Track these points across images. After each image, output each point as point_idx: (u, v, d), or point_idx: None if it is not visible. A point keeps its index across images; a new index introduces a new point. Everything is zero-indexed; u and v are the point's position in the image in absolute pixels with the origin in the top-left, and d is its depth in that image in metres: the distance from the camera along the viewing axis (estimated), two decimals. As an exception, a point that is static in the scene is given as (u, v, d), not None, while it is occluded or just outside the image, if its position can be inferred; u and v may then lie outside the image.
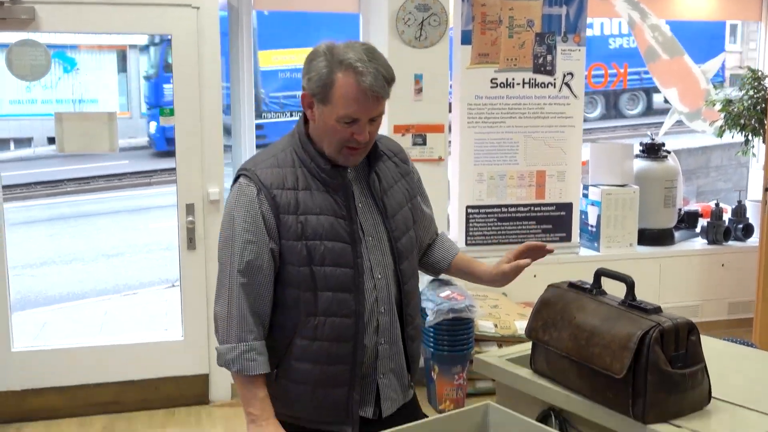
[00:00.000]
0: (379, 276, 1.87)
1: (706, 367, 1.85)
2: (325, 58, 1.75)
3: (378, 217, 1.88)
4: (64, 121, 3.68)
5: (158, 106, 9.54)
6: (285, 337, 1.86)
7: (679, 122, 5.43)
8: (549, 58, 4.39)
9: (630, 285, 1.90)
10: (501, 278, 2.04)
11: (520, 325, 3.94)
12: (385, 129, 4.09)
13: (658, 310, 1.84)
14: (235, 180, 1.87)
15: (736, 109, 4.75)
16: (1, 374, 3.72)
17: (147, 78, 11.69)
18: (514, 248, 2.04)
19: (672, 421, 1.77)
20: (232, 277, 1.81)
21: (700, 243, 5.01)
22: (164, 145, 10.24)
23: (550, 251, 2.05)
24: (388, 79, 1.76)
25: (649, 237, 4.82)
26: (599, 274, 2.00)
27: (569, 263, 4.54)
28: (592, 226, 4.70)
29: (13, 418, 3.73)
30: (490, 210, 4.41)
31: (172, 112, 3.78)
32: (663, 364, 1.76)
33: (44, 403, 3.76)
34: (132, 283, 6.67)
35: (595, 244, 4.66)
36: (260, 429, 1.77)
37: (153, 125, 10.93)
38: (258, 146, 4.37)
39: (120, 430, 3.68)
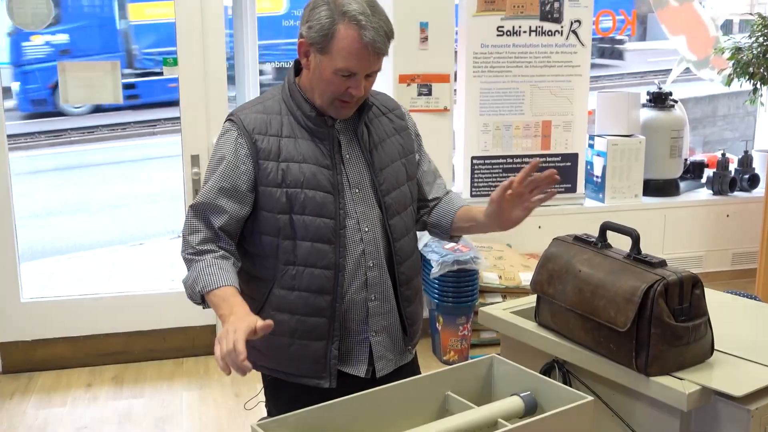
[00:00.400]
0: (366, 229, 1.85)
1: (709, 320, 1.86)
2: (327, 8, 1.72)
3: (365, 170, 1.86)
4: (67, 71, 3.65)
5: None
6: (264, 287, 1.86)
7: (687, 71, 5.37)
8: (556, 5, 4.32)
9: (635, 238, 1.91)
10: (499, 211, 1.91)
11: (525, 277, 3.96)
12: (389, 78, 4.05)
13: (663, 263, 1.85)
14: (224, 124, 1.88)
15: (745, 57, 4.69)
16: (11, 324, 3.76)
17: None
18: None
19: (674, 373, 1.79)
20: (201, 204, 1.81)
21: (705, 193, 5.00)
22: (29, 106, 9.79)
23: (557, 180, 1.95)
24: (389, 35, 1.74)
25: (654, 187, 4.81)
26: (605, 227, 2.00)
27: (574, 214, 4.54)
28: (597, 176, 4.69)
29: (24, 368, 3.79)
30: (495, 161, 4.40)
31: (175, 62, 3.75)
32: (666, 317, 1.77)
33: (54, 352, 3.82)
34: (138, 233, 6.70)
35: (600, 195, 4.66)
36: (229, 324, 1.62)
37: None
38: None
39: (129, 379, 3.74)
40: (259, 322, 1.59)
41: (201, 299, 1.77)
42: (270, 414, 1.94)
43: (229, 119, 1.86)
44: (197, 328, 3.97)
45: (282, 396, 1.92)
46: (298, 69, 1.86)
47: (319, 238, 1.79)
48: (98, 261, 5.96)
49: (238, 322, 1.60)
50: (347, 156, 1.84)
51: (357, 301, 1.87)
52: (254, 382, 3.65)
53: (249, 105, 1.89)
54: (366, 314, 1.89)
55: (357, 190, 1.84)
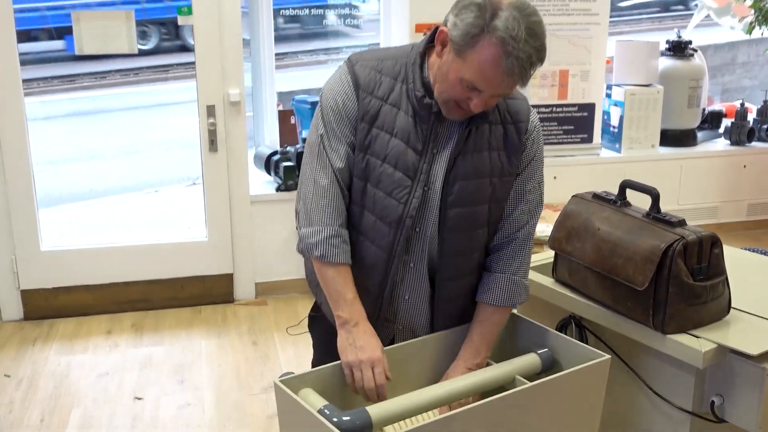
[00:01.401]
0: (417, 230, 1.74)
1: (727, 278, 1.87)
2: (480, 15, 1.54)
3: (443, 173, 1.71)
4: (81, 21, 3.63)
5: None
6: None
7: (707, 17, 5.28)
8: (576, -49, 4.24)
9: (655, 197, 1.91)
10: None
11: (540, 228, 3.93)
12: (406, 27, 4.01)
13: (682, 222, 1.86)
14: (342, 66, 1.80)
15: (767, 5, 4.60)
16: (32, 273, 3.82)
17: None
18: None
19: (691, 331, 1.81)
20: (323, 159, 1.75)
21: (722, 144, 4.96)
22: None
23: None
24: (536, 65, 1.57)
25: (671, 138, 4.78)
26: (624, 185, 2.00)
27: (590, 165, 4.53)
28: (614, 127, 4.66)
29: (46, 315, 3.86)
30: (511, 111, 4.36)
31: (189, 11, 3.72)
32: (685, 276, 1.78)
33: (75, 300, 3.88)
34: (153, 180, 6.71)
35: (617, 146, 4.63)
36: (349, 335, 1.68)
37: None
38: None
39: (148, 327, 3.80)
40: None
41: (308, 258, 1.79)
42: (314, 343, 2.00)
43: (348, 61, 1.77)
44: (215, 276, 4.02)
45: (321, 332, 1.94)
46: (431, 39, 1.71)
47: (384, 217, 1.72)
48: (114, 209, 6.00)
49: (373, 354, 1.66)
50: (435, 152, 1.71)
51: (395, 294, 1.80)
52: (272, 330, 3.73)
53: (369, 56, 1.77)
54: (397, 309, 1.82)
55: (428, 189, 1.72)
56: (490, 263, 1.84)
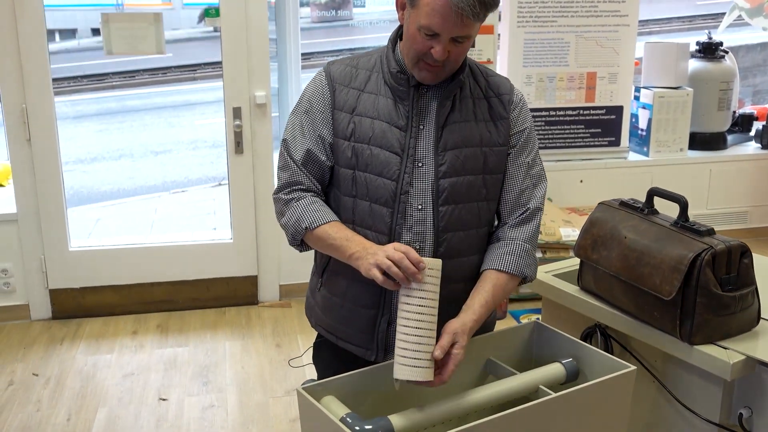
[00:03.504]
0: (420, 206, 1.73)
1: (757, 289, 1.84)
2: None
3: (432, 147, 1.73)
4: (110, 22, 3.66)
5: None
6: None
7: (739, 18, 5.20)
8: (605, -47, 4.19)
9: (683, 205, 1.88)
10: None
11: (565, 232, 3.94)
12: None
13: (711, 231, 1.83)
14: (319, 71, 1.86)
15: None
16: (60, 272, 3.86)
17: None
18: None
19: (719, 342, 1.79)
20: (284, 159, 1.80)
21: (753, 147, 4.88)
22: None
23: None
24: (484, 0, 1.59)
25: (701, 141, 4.71)
26: (652, 193, 1.98)
27: (617, 168, 4.48)
28: (642, 130, 4.60)
29: (74, 314, 3.90)
30: (538, 113, 4.33)
31: (217, 13, 3.73)
32: (713, 286, 1.76)
33: (102, 300, 3.92)
34: (180, 180, 6.77)
35: (645, 149, 4.58)
36: (366, 253, 1.63)
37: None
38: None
39: (174, 327, 3.83)
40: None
41: (301, 241, 1.77)
42: (318, 375, 1.96)
43: (324, 66, 1.83)
44: (239, 278, 4.03)
45: (328, 360, 1.93)
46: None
47: (378, 198, 1.72)
48: (142, 208, 6.06)
49: (390, 245, 1.62)
50: (421, 127, 1.73)
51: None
52: (295, 333, 3.73)
53: (347, 58, 1.84)
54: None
55: (420, 165, 1.72)
56: (498, 234, 1.82)
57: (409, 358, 1.56)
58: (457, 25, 1.60)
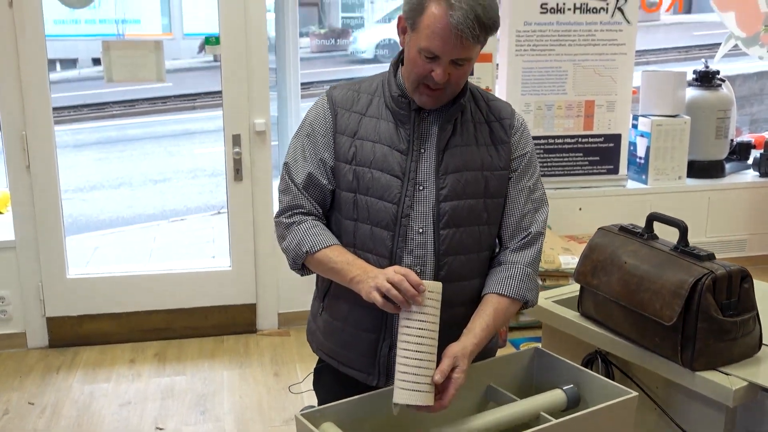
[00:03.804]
0: (421, 230, 1.72)
1: (758, 314, 1.84)
2: None
3: (433, 170, 1.72)
4: (111, 50, 3.68)
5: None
6: None
7: (735, 47, 5.24)
8: (602, -18, 4.23)
9: (683, 230, 1.88)
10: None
11: (565, 260, 3.93)
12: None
13: (711, 256, 1.82)
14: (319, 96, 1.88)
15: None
16: (58, 300, 3.84)
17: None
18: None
19: (721, 368, 1.77)
20: (286, 182, 1.80)
21: (751, 175, 4.89)
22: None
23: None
24: (483, 23, 1.59)
25: (699, 169, 4.72)
26: (651, 218, 1.98)
27: (616, 196, 4.49)
28: (640, 158, 4.62)
29: (70, 342, 3.87)
30: (536, 141, 4.31)
31: (218, 41, 3.76)
32: (714, 311, 1.75)
33: (99, 328, 3.90)
34: (179, 208, 6.78)
35: (643, 177, 4.59)
36: (366, 276, 1.63)
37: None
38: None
39: (171, 356, 3.80)
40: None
41: (302, 265, 1.76)
42: (319, 401, 1.94)
43: (326, 91, 1.84)
44: (238, 306, 4.01)
45: (329, 384, 1.91)
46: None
47: (379, 222, 1.72)
48: (140, 236, 6.05)
49: (390, 268, 1.60)
50: (422, 151, 1.73)
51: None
52: (294, 361, 3.71)
53: (349, 82, 1.85)
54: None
55: (421, 188, 1.72)
56: (499, 258, 1.81)
57: (409, 382, 1.55)
58: (457, 47, 1.61)
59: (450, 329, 1.66)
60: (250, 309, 4.03)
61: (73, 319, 3.87)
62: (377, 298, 1.57)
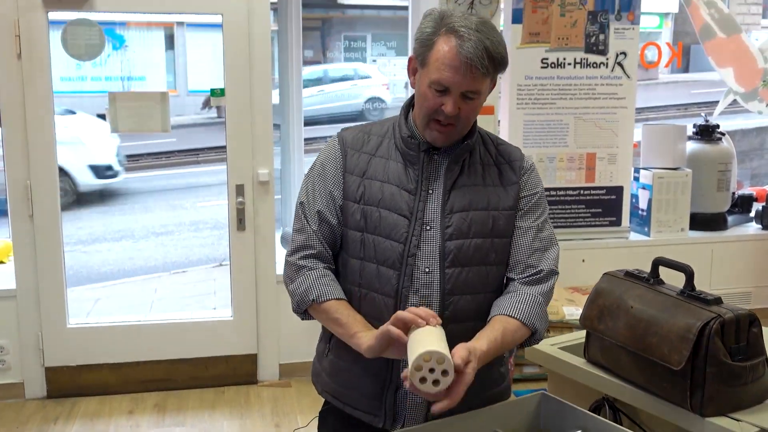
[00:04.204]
0: (427, 270, 1.73)
1: (767, 359, 1.81)
2: (432, 20, 1.68)
3: (439, 209, 1.73)
4: (117, 101, 3.72)
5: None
6: None
7: (734, 103, 5.30)
8: (602, 37, 4.30)
9: (689, 275, 1.87)
10: None
11: (569, 311, 3.90)
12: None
13: (718, 300, 1.81)
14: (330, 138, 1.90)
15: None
16: (57, 349, 3.80)
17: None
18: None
19: (731, 414, 1.74)
20: (300, 221, 1.82)
21: (754, 228, 4.89)
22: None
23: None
24: (492, 55, 1.62)
25: (701, 221, 4.72)
26: (657, 263, 1.97)
27: (618, 248, 4.48)
28: (642, 210, 4.62)
29: (69, 393, 3.82)
30: (538, 193, 4.35)
31: (222, 93, 3.80)
32: (723, 356, 1.73)
33: (98, 379, 3.85)
34: (180, 261, 6.77)
35: (646, 229, 4.59)
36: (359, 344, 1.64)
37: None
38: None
39: (171, 407, 3.75)
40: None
41: (305, 310, 1.76)
42: None
43: (337, 133, 1.87)
44: (239, 356, 3.98)
45: (335, 427, 1.88)
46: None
47: (385, 261, 1.72)
48: (142, 288, 6.02)
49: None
50: (430, 191, 1.74)
51: None
52: (295, 413, 3.65)
53: (360, 125, 1.89)
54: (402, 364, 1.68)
55: (428, 228, 1.73)
56: (508, 288, 1.79)
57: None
58: (467, 78, 1.63)
59: None
60: (251, 359, 3.99)
61: (72, 369, 3.83)
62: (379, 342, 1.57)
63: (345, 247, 1.79)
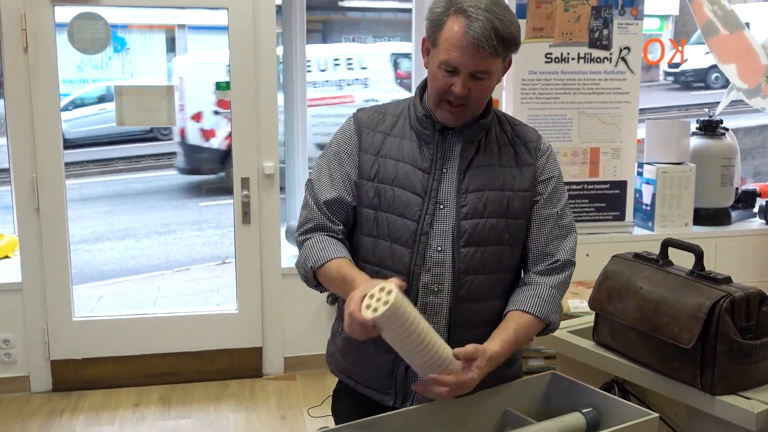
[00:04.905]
0: (439, 248, 1.72)
1: (777, 338, 1.81)
2: (445, 2, 1.66)
3: (454, 189, 1.72)
4: (123, 95, 3.73)
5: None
6: None
7: (737, 100, 5.30)
8: (605, 32, 4.31)
9: (699, 255, 1.88)
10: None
11: (573, 304, 3.90)
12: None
13: (728, 280, 1.82)
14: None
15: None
16: (63, 342, 3.81)
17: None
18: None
19: (741, 392, 1.75)
20: (307, 201, 1.82)
21: (757, 223, 4.88)
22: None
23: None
24: (502, 34, 1.61)
25: (705, 216, 4.72)
26: (666, 244, 1.98)
27: (622, 242, 4.46)
28: (646, 205, 4.62)
29: (74, 386, 3.82)
30: (543, 187, 4.36)
31: (228, 86, 3.81)
32: (733, 334, 1.73)
33: (103, 372, 3.85)
34: (183, 259, 6.77)
35: (650, 224, 4.58)
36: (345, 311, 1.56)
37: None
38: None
39: (176, 400, 3.75)
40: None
41: (315, 280, 1.75)
42: (336, 423, 1.91)
43: (353, 114, 1.87)
44: (244, 350, 3.98)
45: (347, 406, 1.88)
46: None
47: (398, 238, 1.72)
48: (145, 286, 6.02)
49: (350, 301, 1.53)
50: (445, 170, 1.74)
51: None
52: (300, 405, 3.66)
53: (376, 105, 1.89)
54: None
55: (442, 207, 1.72)
56: (524, 279, 1.81)
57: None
58: (474, 58, 1.63)
59: None
60: (256, 353, 3.99)
61: (77, 362, 3.83)
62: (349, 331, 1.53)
63: (358, 226, 1.80)
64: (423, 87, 1.82)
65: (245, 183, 3.85)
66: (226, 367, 3.96)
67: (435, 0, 1.70)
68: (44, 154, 3.67)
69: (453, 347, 1.60)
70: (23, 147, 3.65)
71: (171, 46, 12.37)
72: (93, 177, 9.60)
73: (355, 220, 1.80)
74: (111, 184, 9.56)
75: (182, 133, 8.25)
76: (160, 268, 6.54)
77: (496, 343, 1.65)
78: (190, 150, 8.60)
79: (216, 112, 7.77)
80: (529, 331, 1.73)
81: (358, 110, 1.88)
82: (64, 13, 3.67)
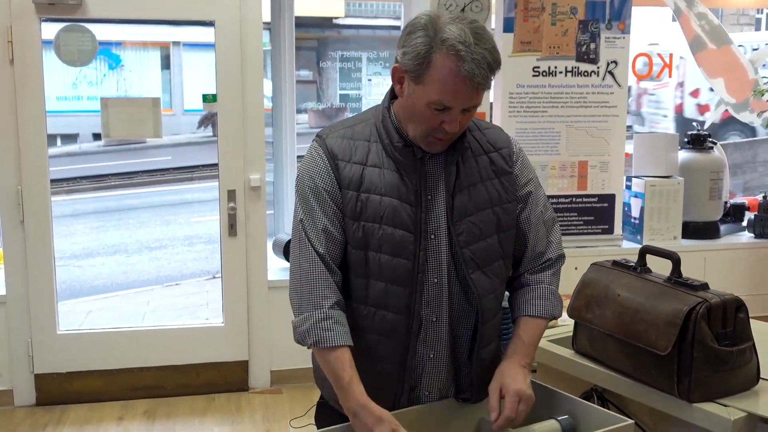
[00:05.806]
0: (435, 280, 1.69)
1: (754, 345, 1.81)
2: (425, 33, 1.56)
3: (444, 216, 1.67)
4: (110, 107, 3.73)
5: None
6: None
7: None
8: (592, 46, 4.33)
9: (676, 262, 1.88)
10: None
11: (561, 318, 3.88)
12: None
13: (705, 286, 1.81)
14: (312, 143, 1.77)
15: (785, 99, 4.65)
16: (47, 356, 3.78)
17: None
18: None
19: (719, 400, 1.73)
20: (303, 244, 1.69)
21: (746, 237, 4.89)
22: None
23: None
24: (493, 67, 1.57)
25: (694, 230, 4.72)
26: (644, 251, 1.97)
27: (611, 256, 4.40)
28: (635, 218, 4.63)
29: (58, 400, 3.79)
30: (531, 200, 4.36)
31: (214, 98, 3.82)
32: (710, 340, 1.72)
33: (88, 385, 3.82)
34: (174, 274, 6.75)
35: (638, 237, 4.59)
36: (358, 419, 1.57)
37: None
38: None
39: (161, 414, 3.72)
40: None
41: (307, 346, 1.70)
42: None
43: (317, 137, 1.74)
44: (230, 363, 3.95)
45: (330, 419, 1.81)
46: (393, 93, 1.70)
47: (394, 279, 1.66)
48: (134, 300, 6.00)
49: (388, 421, 1.55)
50: (429, 197, 1.68)
51: (418, 355, 1.71)
52: (286, 419, 3.63)
53: (338, 126, 1.75)
54: (422, 371, 1.73)
55: (433, 237, 1.68)
56: (521, 280, 1.84)
57: None
58: (470, 96, 1.58)
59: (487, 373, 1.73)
60: (243, 366, 3.96)
61: (62, 376, 3.80)
62: None
63: (347, 266, 1.71)
64: (388, 108, 1.72)
65: (231, 195, 3.84)
66: (212, 381, 3.94)
67: (414, 33, 1.59)
68: (29, 166, 3.66)
69: (474, 362, 1.73)
70: (8, 159, 3.65)
71: (166, 63, 12.41)
72: (84, 193, 9.59)
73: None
74: (103, 200, 9.55)
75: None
76: (149, 283, 6.52)
77: (521, 355, 1.73)
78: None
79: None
80: (540, 331, 1.81)
81: (322, 137, 1.73)
82: (54, 29, 3.68)
